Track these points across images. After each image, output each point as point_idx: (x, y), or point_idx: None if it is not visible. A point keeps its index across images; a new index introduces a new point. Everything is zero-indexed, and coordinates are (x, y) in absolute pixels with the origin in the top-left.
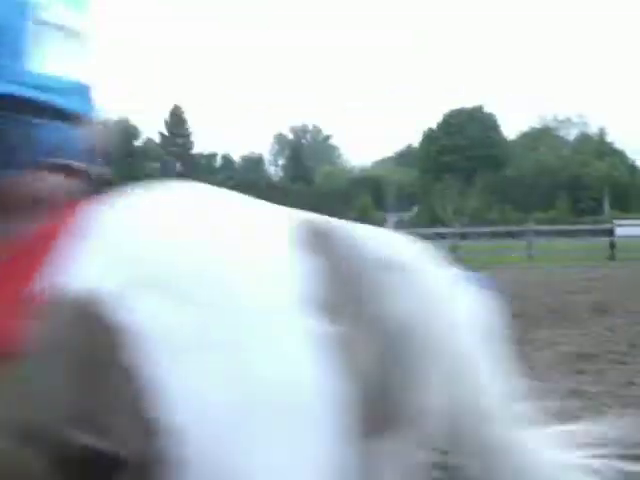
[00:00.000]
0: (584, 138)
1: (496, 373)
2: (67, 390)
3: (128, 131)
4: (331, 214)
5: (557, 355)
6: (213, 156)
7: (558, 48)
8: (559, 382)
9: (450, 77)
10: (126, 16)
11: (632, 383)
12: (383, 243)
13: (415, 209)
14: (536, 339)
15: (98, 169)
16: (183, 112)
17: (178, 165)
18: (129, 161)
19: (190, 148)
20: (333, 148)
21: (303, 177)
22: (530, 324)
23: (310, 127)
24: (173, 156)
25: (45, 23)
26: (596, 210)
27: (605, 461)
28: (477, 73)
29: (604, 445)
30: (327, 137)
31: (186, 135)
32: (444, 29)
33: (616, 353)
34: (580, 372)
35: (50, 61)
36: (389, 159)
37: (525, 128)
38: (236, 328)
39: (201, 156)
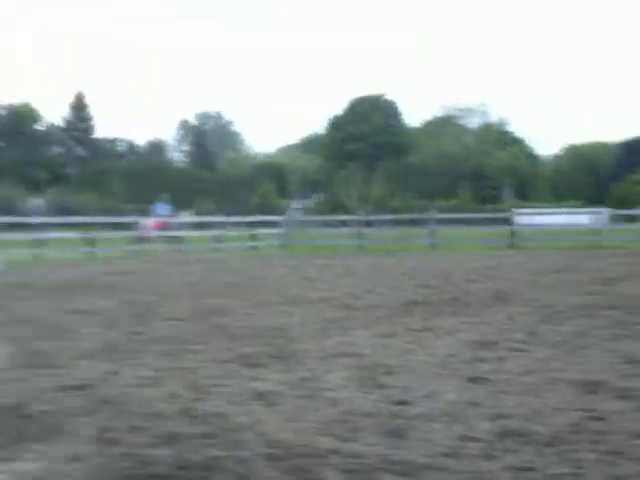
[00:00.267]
0: (486, 127)
1: None
2: None
3: (28, 116)
4: (235, 200)
5: (458, 343)
6: (117, 141)
7: (461, 37)
8: (459, 369)
9: (352, 68)
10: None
11: (531, 371)
12: None
13: (319, 196)
14: (437, 327)
15: None
16: (84, 97)
17: (80, 149)
18: (31, 145)
19: (91, 133)
20: (236, 134)
21: (207, 163)
22: (432, 312)
23: (213, 114)
24: (75, 140)
25: None
26: (497, 199)
27: None
28: (381, 61)
29: None
30: (229, 123)
31: (87, 119)
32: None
33: (515, 341)
34: (480, 360)
35: None
36: (294, 146)
37: (429, 117)
38: None
39: (105, 141)
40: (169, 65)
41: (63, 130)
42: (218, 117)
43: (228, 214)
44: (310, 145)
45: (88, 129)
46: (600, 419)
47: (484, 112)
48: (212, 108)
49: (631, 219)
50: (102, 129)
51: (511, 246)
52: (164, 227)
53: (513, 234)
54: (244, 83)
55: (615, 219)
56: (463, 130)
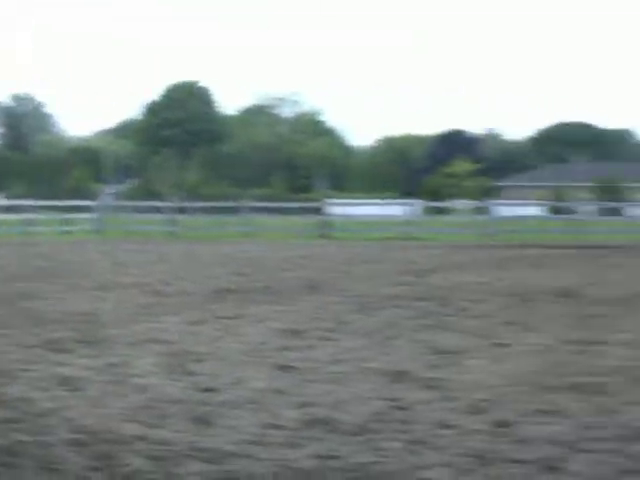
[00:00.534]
0: (300, 117)
1: None
2: None
3: None
4: (49, 183)
5: (268, 331)
6: None
7: (269, 27)
8: (269, 357)
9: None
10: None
11: (339, 360)
12: None
13: (133, 182)
14: (248, 315)
15: None
16: None
17: None
18: None
19: None
20: (48, 116)
21: (20, 145)
22: (243, 300)
23: (26, 95)
24: None
25: None
26: (310, 188)
27: None
28: (196, 51)
29: None
30: (42, 105)
31: None
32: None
33: (325, 330)
34: (290, 348)
35: None
36: (109, 130)
37: (245, 105)
38: None
39: None
40: None
41: None
42: (30, 99)
43: (41, 198)
44: (125, 130)
45: None
46: (405, 408)
47: (296, 102)
48: (25, 90)
49: (443, 211)
50: None
51: (323, 236)
52: None
53: (326, 224)
54: (62, 65)
55: (427, 211)
56: (277, 119)
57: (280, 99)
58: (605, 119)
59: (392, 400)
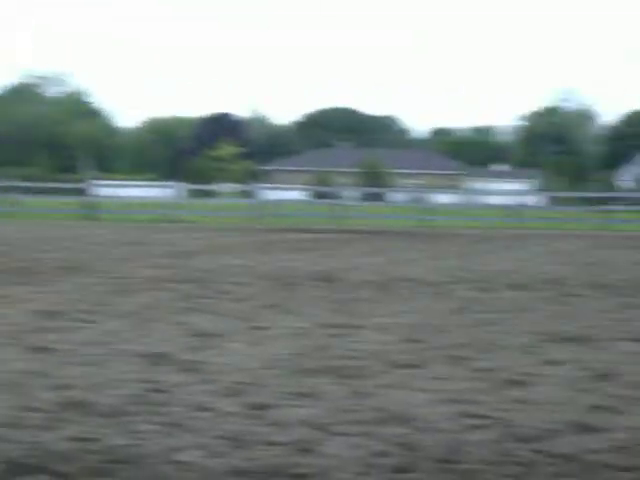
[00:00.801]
0: (65, 97)
1: None
2: None
3: None
4: None
5: (25, 312)
6: None
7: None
8: (25, 339)
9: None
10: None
11: (97, 342)
12: None
13: None
14: (5, 295)
15: None
16: None
17: None
18: None
19: None
20: None
21: None
22: (0, 281)
23: None
24: None
25: None
26: (75, 169)
27: None
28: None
29: None
30: None
31: None
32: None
33: (83, 312)
34: (47, 330)
35: None
36: None
37: (9, 84)
38: None
39: None
40: None
41: None
42: None
43: None
44: None
45: None
46: (163, 391)
47: (62, 81)
48: None
49: (208, 194)
50: None
51: (88, 217)
52: None
53: (90, 205)
54: None
55: (192, 194)
56: (41, 98)
57: (45, 78)
58: (370, 106)
59: (149, 383)
